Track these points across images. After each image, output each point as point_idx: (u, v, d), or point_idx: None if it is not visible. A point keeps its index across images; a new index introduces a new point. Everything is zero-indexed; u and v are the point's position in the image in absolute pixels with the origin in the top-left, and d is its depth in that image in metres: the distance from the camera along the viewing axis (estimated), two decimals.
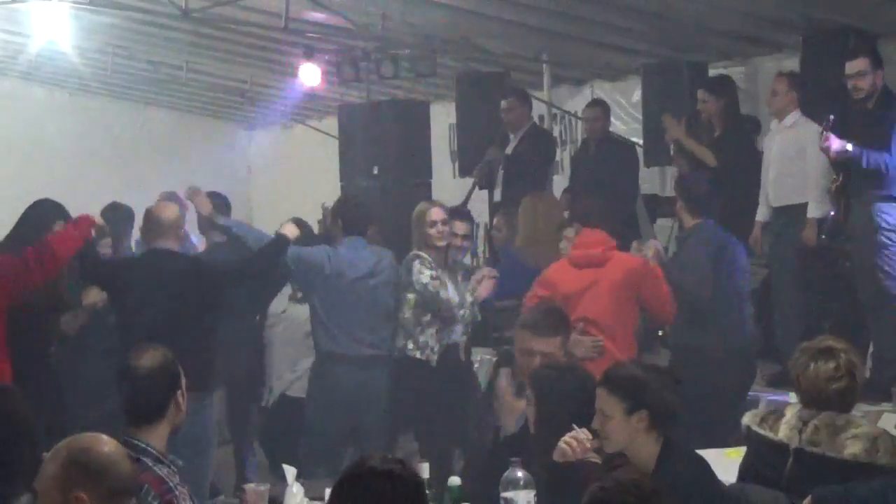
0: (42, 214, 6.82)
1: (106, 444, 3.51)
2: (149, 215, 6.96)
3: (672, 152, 9.18)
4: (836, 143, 7.13)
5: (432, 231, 7.37)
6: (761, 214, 8.27)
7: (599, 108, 9.89)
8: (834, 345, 4.59)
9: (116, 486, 3.45)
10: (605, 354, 6.64)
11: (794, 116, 8.00)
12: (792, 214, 7.94)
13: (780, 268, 8.19)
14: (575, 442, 4.64)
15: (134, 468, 3.65)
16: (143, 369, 4.53)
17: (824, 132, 7.14)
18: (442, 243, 7.41)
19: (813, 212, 7.79)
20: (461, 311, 7.36)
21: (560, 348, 5.96)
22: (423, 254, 7.38)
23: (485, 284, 7.48)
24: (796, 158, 7.88)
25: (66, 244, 6.42)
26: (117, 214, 8.45)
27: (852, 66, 7.23)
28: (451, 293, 7.35)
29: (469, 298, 7.39)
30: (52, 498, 3.40)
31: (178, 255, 6.87)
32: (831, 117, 7.18)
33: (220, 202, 8.80)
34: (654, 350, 8.16)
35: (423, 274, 7.31)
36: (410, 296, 7.36)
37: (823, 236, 7.68)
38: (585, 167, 9.88)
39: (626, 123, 10.24)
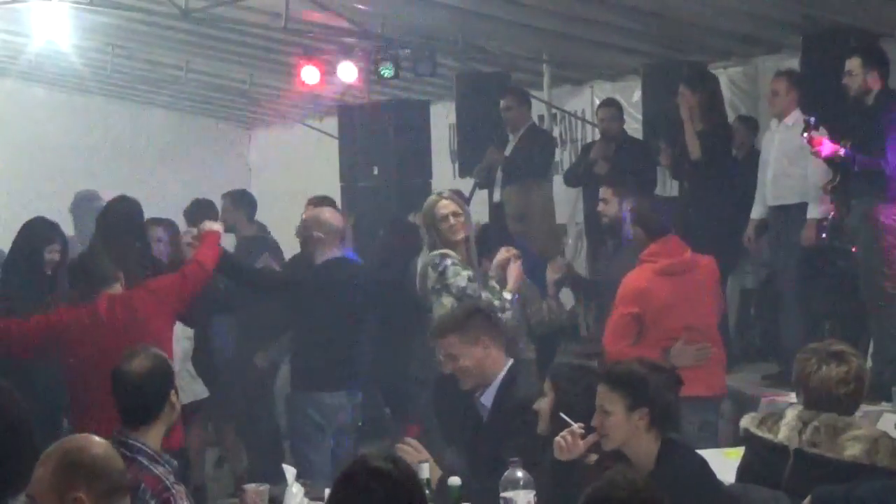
0: (34, 235, 6.81)
1: (97, 444, 3.52)
2: (322, 222, 7.06)
3: (661, 146, 9.15)
4: (826, 147, 7.13)
5: (445, 226, 6.56)
6: (756, 213, 8.28)
7: (615, 108, 9.80)
8: (845, 349, 4.58)
9: (113, 483, 3.46)
10: (712, 359, 6.69)
11: (796, 116, 7.97)
12: (792, 214, 7.94)
13: (780, 268, 8.19)
14: (570, 436, 4.62)
15: (127, 467, 3.65)
16: (136, 372, 4.53)
17: (809, 133, 7.14)
18: (459, 236, 6.56)
19: (812, 212, 7.79)
20: (504, 315, 6.34)
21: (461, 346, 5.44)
22: (450, 252, 6.53)
23: (513, 271, 6.64)
24: (797, 158, 7.86)
25: (210, 258, 6.53)
26: (202, 210, 8.90)
27: (845, 65, 7.25)
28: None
29: (507, 296, 6.52)
30: (49, 501, 3.39)
31: (352, 262, 7.23)
32: (812, 119, 7.18)
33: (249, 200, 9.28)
34: None
35: (460, 276, 6.46)
36: (447, 300, 6.44)
37: (824, 236, 7.68)
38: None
39: (626, 123, 10.22)
